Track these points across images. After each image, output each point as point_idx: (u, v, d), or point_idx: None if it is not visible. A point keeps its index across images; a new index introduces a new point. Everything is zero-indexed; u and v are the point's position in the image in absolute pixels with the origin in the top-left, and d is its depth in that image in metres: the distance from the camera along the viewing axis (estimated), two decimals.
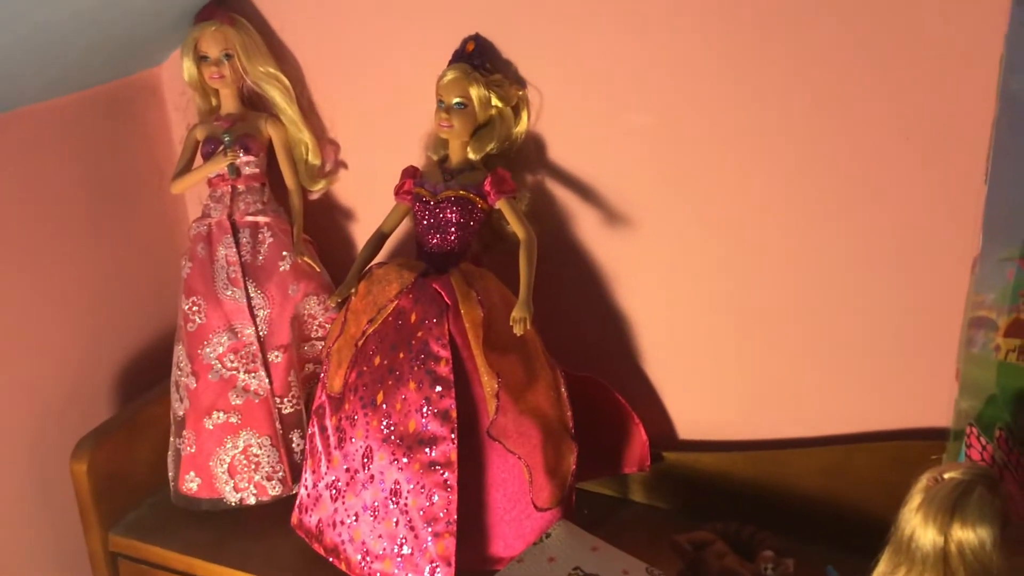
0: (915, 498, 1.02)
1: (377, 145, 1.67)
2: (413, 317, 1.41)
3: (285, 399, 1.63)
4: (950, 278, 1.33)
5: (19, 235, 1.58)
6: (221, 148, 1.60)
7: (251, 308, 1.60)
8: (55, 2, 1.33)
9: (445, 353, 1.37)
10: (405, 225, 1.59)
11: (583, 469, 1.51)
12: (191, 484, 1.62)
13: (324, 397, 1.50)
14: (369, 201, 1.71)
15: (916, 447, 1.40)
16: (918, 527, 1.00)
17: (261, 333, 1.61)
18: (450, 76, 1.45)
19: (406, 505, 1.37)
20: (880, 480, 1.42)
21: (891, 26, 1.27)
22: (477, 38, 1.49)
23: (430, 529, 1.36)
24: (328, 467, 1.47)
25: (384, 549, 1.40)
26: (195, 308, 1.60)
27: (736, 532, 1.44)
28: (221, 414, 1.60)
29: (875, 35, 1.29)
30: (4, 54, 1.37)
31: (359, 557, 1.43)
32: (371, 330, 1.44)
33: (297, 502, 1.55)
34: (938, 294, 1.36)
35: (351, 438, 1.43)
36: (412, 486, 1.37)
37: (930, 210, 1.33)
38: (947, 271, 1.34)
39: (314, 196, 1.73)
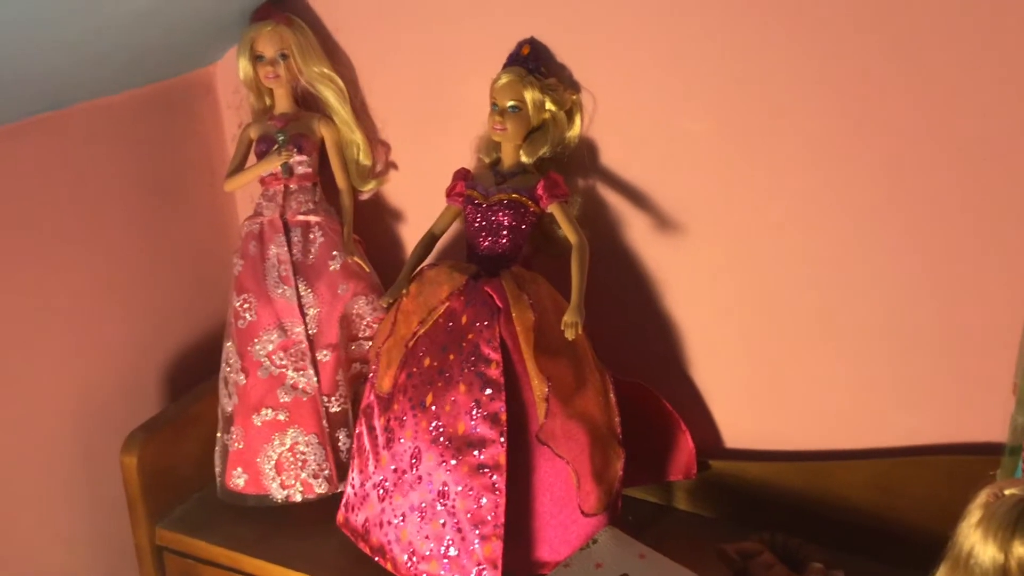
0: (974, 514, 1.00)
1: (428, 147, 1.68)
2: (464, 319, 1.41)
3: (332, 398, 1.64)
4: (1008, 291, 1.31)
5: (73, 229, 1.60)
6: (275, 147, 1.61)
7: (301, 306, 1.61)
8: (117, 2, 1.35)
9: (496, 356, 1.37)
10: (455, 227, 1.59)
11: (628, 475, 1.50)
12: (238, 480, 1.63)
13: (373, 397, 1.50)
14: (418, 202, 1.72)
15: (969, 462, 1.39)
16: (978, 543, 0.98)
17: (310, 332, 1.62)
18: (505, 79, 1.45)
19: (454, 507, 1.38)
20: (932, 495, 1.41)
21: (965, 39, 1.26)
22: (532, 42, 1.49)
23: (477, 531, 1.36)
24: (376, 467, 1.47)
25: (431, 550, 1.40)
26: (246, 305, 1.61)
27: (783, 543, 1.43)
28: (269, 411, 1.61)
29: (943, 46, 1.27)
30: (66, 52, 1.39)
31: (405, 557, 1.43)
32: (422, 331, 1.45)
33: (343, 501, 1.56)
34: (996, 307, 1.34)
35: (399, 438, 1.43)
36: (460, 488, 1.37)
37: (990, 222, 1.32)
38: (1005, 283, 1.32)
39: (364, 196, 1.74)
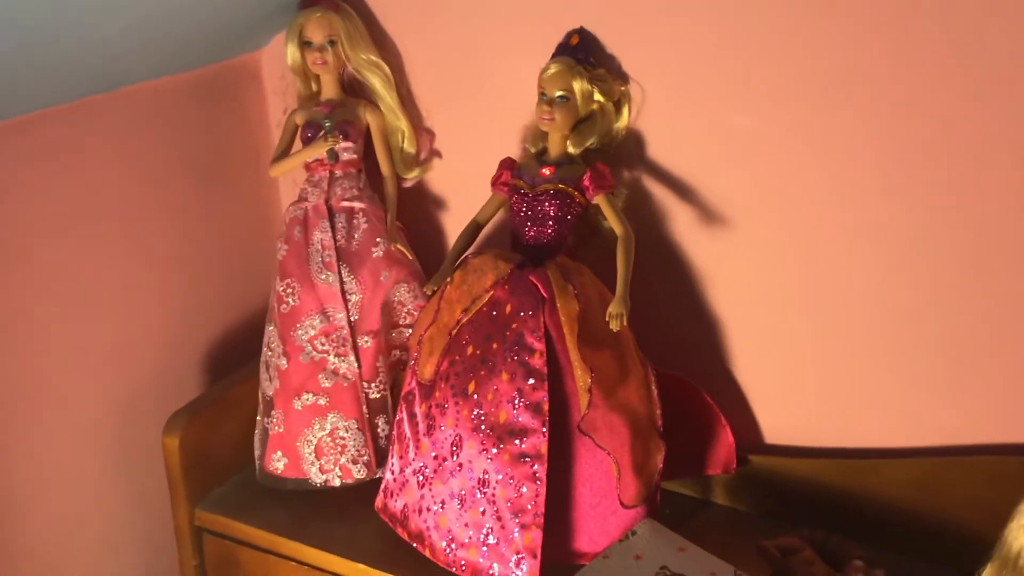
0: None
1: (473, 135, 1.68)
2: (508, 308, 1.41)
3: (372, 384, 1.64)
4: None
5: (119, 211, 1.62)
6: (322, 133, 1.62)
7: (343, 293, 1.62)
8: None
9: (540, 346, 1.37)
10: (499, 216, 1.59)
11: (667, 468, 1.50)
12: (277, 464, 1.64)
13: (414, 384, 1.51)
14: (462, 191, 1.72)
15: (1013, 463, 1.38)
16: None
17: (352, 318, 1.62)
18: (553, 69, 1.45)
19: (494, 495, 1.38)
20: (974, 495, 1.40)
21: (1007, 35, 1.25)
22: (582, 31, 1.49)
23: (517, 520, 1.37)
24: (416, 453, 1.48)
25: (470, 538, 1.41)
26: (289, 290, 1.62)
27: (823, 540, 1.42)
28: (310, 396, 1.62)
29: (1011, 42, 1.26)
30: (117, 35, 1.40)
31: (444, 544, 1.44)
32: (465, 319, 1.45)
33: (383, 486, 1.56)
34: None
35: (440, 426, 1.44)
36: (501, 477, 1.37)
37: None
38: None
39: (408, 184, 1.74)
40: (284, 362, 1.63)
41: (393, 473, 1.54)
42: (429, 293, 1.51)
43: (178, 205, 1.72)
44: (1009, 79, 1.26)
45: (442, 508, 1.44)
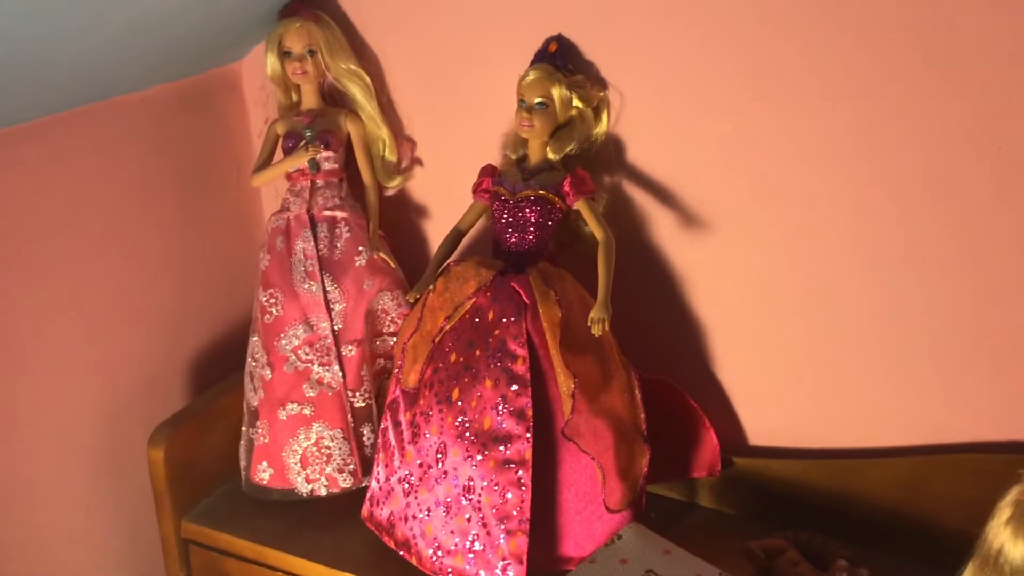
0: (1004, 512, 1.00)
1: (454, 143, 1.68)
2: (491, 315, 1.41)
3: (357, 393, 1.65)
4: None
5: (100, 222, 1.61)
6: (303, 143, 1.62)
7: (327, 302, 1.62)
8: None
9: (522, 352, 1.38)
10: (481, 223, 1.59)
11: (652, 471, 1.50)
12: (263, 474, 1.64)
13: (398, 392, 1.51)
14: (444, 199, 1.72)
15: (997, 461, 1.38)
16: (1007, 541, 0.98)
17: (336, 327, 1.62)
18: (532, 76, 1.46)
19: (479, 502, 1.38)
20: (958, 494, 1.41)
21: (978, 33, 1.26)
22: (560, 38, 1.49)
23: (503, 526, 1.37)
24: (401, 462, 1.48)
25: (456, 545, 1.41)
26: (272, 300, 1.62)
27: (808, 540, 1.43)
28: (295, 406, 1.62)
29: (983, 43, 1.27)
30: (103, 46, 1.40)
31: (430, 552, 1.44)
32: (448, 327, 1.45)
33: (368, 495, 1.56)
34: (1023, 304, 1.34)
35: (425, 433, 1.44)
36: (486, 483, 1.38)
37: (1014, 219, 1.31)
38: None
39: (390, 192, 1.74)
40: (268, 372, 1.63)
41: (379, 481, 1.54)
42: (412, 301, 1.51)
43: (162, 215, 1.72)
44: (999, 81, 1.27)
45: (428, 516, 1.44)
